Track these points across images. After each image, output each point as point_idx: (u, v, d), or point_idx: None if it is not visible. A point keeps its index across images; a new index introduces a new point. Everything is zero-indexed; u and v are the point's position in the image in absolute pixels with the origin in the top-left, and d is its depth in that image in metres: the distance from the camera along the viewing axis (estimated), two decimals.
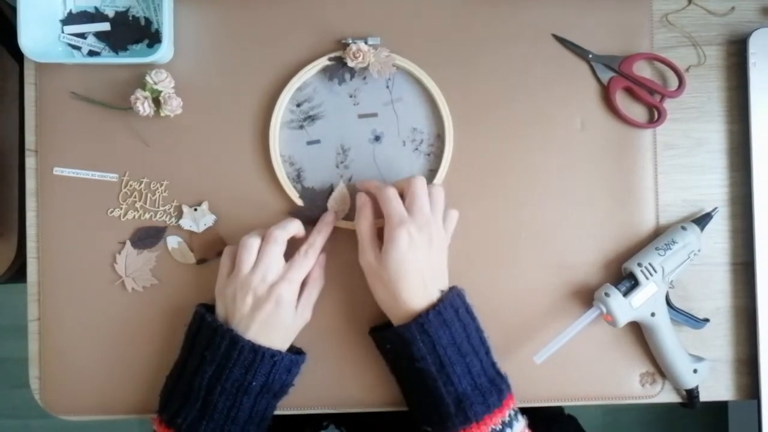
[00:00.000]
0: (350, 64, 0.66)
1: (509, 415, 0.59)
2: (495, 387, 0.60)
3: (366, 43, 0.66)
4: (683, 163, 0.70)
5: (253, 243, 0.62)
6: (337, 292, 0.68)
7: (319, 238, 0.65)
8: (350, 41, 0.67)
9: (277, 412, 0.67)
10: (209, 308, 0.64)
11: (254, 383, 0.60)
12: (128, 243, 0.67)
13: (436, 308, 0.59)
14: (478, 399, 0.58)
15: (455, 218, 0.65)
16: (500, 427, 0.58)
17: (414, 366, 0.59)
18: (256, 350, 0.59)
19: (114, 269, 0.67)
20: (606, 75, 0.68)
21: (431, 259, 0.60)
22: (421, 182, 0.62)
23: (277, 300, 0.60)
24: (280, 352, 0.61)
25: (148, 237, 0.67)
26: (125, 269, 0.67)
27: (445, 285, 0.62)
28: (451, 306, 0.60)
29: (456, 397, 0.58)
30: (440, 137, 0.68)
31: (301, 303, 0.63)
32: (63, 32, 0.68)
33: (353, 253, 0.66)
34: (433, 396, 0.59)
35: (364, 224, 0.62)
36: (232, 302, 0.61)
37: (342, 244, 0.67)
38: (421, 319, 0.58)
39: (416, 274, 0.59)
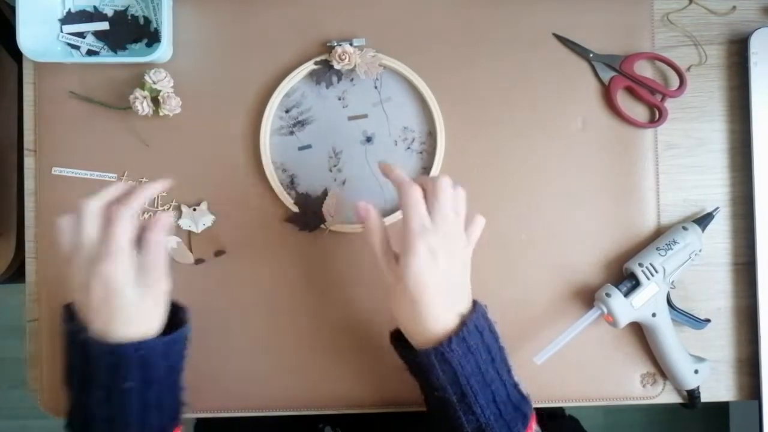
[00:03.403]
0: (336, 66, 0.66)
1: None
2: (520, 413, 0.54)
3: (351, 44, 0.66)
4: (684, 162, 0.69)
5: (65, 223, 0.54)
6: (335, 294, 0.67)
7: (134, 197, 0.54)
8: (335, 43, 0.66)
9: (271, 413, 0.67)
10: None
11: (129, 384, 0.51)
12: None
13: (459, 334, 0.52)
14: (502, 429, 0.53)
15: (480, 225, 0.59)
16: None
17: (434, 394, 0.54)
18: (112, 351, 0.51)
19: None
20: (607, 74, 0.68)
21: (453, 274, 0.54)
22: (446, 185, 0.55)
23: (104, 281, 0.50)
24: (143, 342, 0.52)
25: None
26: None
27: (468, 303, 0.56)
28: (477, 329, 0.53)
29: (478, 427, 0.53)
30: (431, 134, 0.68)
31: (143, 271, 0.52)
32: (62, 31, 0.68)
33: (350, 256, 0.66)
34: (452, 425, 0.53)
35: (375, 238, 0.56)
36: (73, 289, 0.53)
37: (339, 248, 0.67)
38: (442, 347, 0.52)
39: (437, 290, 0.53)
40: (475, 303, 0.56)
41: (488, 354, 0.54)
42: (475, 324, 0.54)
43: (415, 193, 0.54)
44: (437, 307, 0.53)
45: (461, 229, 0.56)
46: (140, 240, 0.54)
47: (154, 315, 0.54)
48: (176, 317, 0.57)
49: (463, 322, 0.53)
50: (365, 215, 0.56)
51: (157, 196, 0.68)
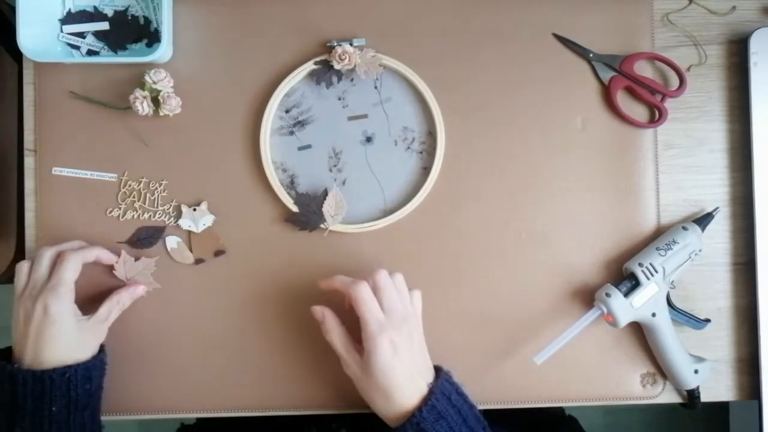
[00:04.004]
0: (336, 66, 0.66)
1: None
2: None
3: (351, 44, 0.66)
4: (684, 162, 0.69)
5: (22, 266, 0.62)
6: (335, 294, 0.67)
7: (88, 248, 0.64)
8: (335, 43, 0.66)
9: (272, 413, 0.67)
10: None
11: (55, 408, 0.57)
12: (123, 253, 0.66)
13: (428, 403, 0.57)
14: None
15: (420, 298, 0.63)
16: None
17: None
18: (39, 377, 0.57)
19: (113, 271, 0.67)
20: (607, 74, 0.68)
21: (414, 354, 0.59)
22: (384, 276, 0.60)
23: (44, 309, 0.58)
24: (69, 367, 0.58)
25: (147, 237, 0.67)
26: (125, 275, 0.67)
27: (431, 372, 0.61)
28: (443, 394, 0.58)
29: None
30: (431, 134, 0.68)
31: (94, 317, 0.61)
32: (62, 32, 0.68)
33: (350, 256, 0.66)
34: None
35: (335, 337, 0.60)
36: (14, 327, 0.60)
37: (339, 248, 0.67)
38: (415, 418, 0.56)
39: (405, 375, 0.58)
40: (438, 370, 0.61)
41: (459, 415, 0.58)
42: (441, 390, 0.58)
43: (365, 291, 0.59)
44: (406, 390, 0.58)
45: (409, 309, 0.61)
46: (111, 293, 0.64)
47: (85, 352, 0.61)
48: None
49: (431, 391, 0.58)
50: (321, 318, 0.61)
51: (157, 197, 0.68)
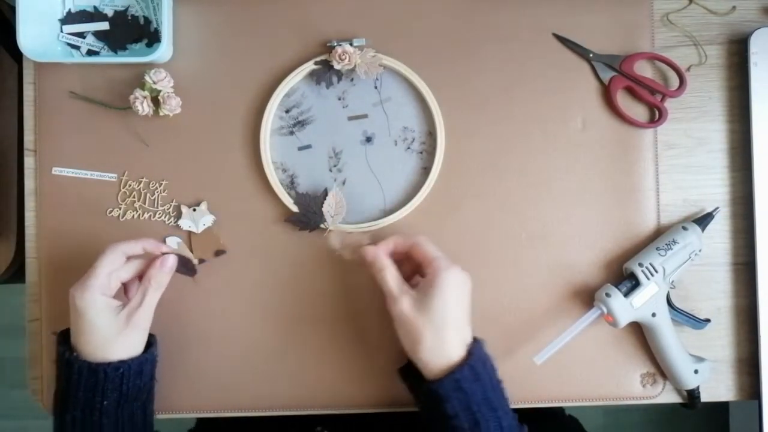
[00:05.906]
0: (336, 66, 0.66)
1: None
2: None
3: (351, 44, 0.66)
4: (684, 162, 0.69)
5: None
6: (334, 294, 0.67)
7: (135, 240, 0.61)
8: (335, 43, 0.66)
9: (272, 413, 0.67)
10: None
11: (106, 402, 0.57)
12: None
13: (468, 362, 0.55)
14: None
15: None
16: None
17: (447, 423, 0.55)
18: (94, 370, 0.57)
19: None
20: (607, 74, 0.68)
21: (466, 305, 0.59)
22: (425, 239, 0.61)
23: (73, 307, 0.57)
24: (123, 362, 0.57)
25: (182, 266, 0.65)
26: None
27: (470, 335, 0.59)
28: (480, 359, 0.57)
29: None
30: (431, 134, 0.68)
31: (127, 307, 0.59)
32: (62, 31, 0.68)
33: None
34: None
35: (388, 274, 0.59)
36: None
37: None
38: (455, 374, 0.55)
39: (458, 319, 0.57)
40: (474, 338, 0.59)
41: (490, 383, 0.57)
42: (479, 354, 0.57)
43: (421, 237, 0.60)
44: (455, 336, 0.57)
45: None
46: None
47: (132, 346, 0.59)
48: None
49: (470, 352, 0.57)
50: (373, 256, 0.60)
51: (157, 197, 0.68)
